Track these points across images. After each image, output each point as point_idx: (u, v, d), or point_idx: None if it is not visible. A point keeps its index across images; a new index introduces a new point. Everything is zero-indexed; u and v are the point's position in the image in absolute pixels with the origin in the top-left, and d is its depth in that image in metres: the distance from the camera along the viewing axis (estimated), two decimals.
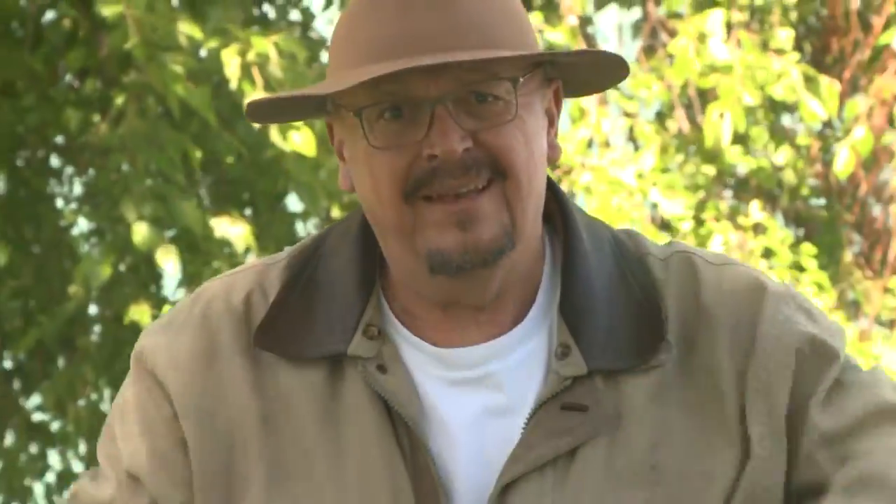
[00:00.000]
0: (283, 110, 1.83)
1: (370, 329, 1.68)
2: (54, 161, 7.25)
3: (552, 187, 1.74)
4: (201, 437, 1.72)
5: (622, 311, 1.69)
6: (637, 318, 1.68)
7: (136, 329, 5.98)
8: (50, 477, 7.32)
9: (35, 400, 7.27)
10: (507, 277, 1.65)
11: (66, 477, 7.23)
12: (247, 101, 5.00)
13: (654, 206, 6.57)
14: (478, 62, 1.60)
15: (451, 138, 1.58)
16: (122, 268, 6.39)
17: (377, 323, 1.69)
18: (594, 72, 1.78)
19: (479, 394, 1.69)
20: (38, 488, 7.39)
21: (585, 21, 7.48)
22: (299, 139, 5.72)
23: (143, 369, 1.76)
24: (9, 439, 7.22)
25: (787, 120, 7.47)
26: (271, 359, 1.72)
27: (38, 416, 7.41)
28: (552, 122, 1.70)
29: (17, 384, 7.42)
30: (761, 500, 1.69)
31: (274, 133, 5.86)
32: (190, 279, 6.31)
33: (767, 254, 6.52)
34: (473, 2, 1.65)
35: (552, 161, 1.69)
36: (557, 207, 1.74)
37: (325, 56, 6.43)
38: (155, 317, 5.89)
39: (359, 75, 1.59)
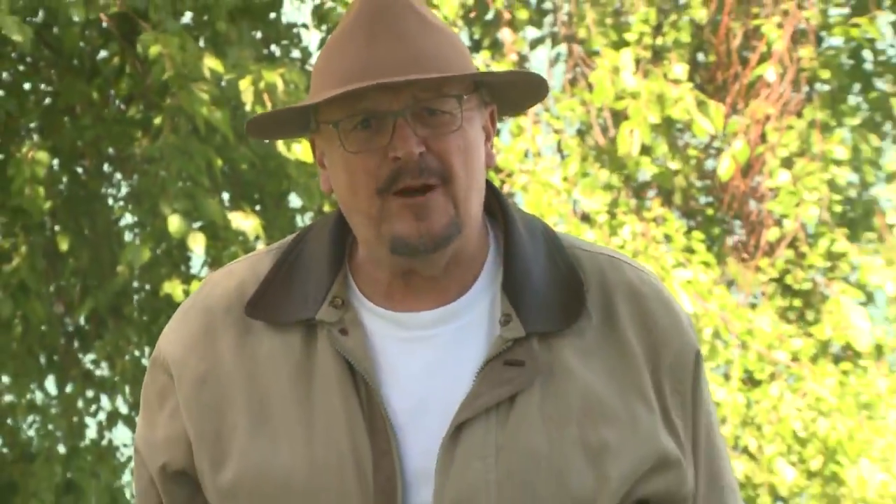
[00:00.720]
0: (278, 129, 1.81)
1: (335, 300, 1.69)
2: (106, 168, 7.31)
3: (494, 191, 1.74)
4: (194, 397, 1.72)
5: (552, 286, 1.69)
6: (564, 291, 1.68)
7: (169, 300, 6.22)
8: (101, 416, 7.45)
9: (90, 356, 7.41)
10: (455, 257, 1.66)
11: (113, 416, 7.39)
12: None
13: (576, 202, 6.55)
14: (430, 82, 1.61)
15: (409, 143, 1.59)
16: (158, 252, 6.51)
17: (342, 295, 1.69)
18: (522, 93, 1.78)
19: (428, 351, 1.69)
20: (92, 425, 7.52)
21: (523, 58, 7.45)
22: (300, 149, 5.75)
23: (152, 360, 1.78)
24: (69, 387, 7.32)
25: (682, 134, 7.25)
26: (258, 327, 1.72)
27: (92, 368, 7.53)
28: (489, 136, 1.70)
29: (76, 343, 7.51)
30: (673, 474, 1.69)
31: (280, 145, 5.87)
32: (213, 261, 6.40)
33: (666, 239, 6.48)
34: (425, 37, 1.65)
35: (489, 167, 1.69)
36: (499, 207, 1.72)
37: None
38: (185, 291, 6.12)
39: (340, 90, 1.60)
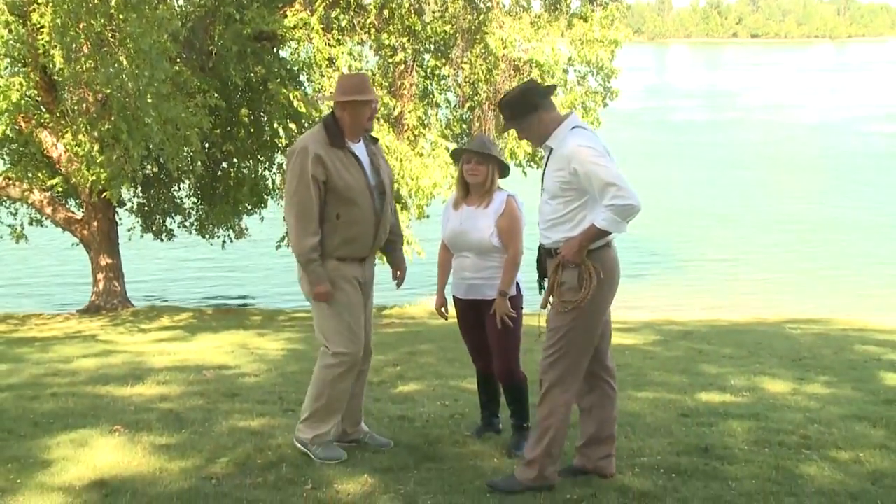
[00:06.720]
0: (329, 100, 5.56)
1: (346, 139, 4.42)
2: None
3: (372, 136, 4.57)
4: (321, 163, 4.34)
5: (368, 139, 4.61)
6: (371, 140, 4.64)
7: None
8: (274, 168, 13.98)
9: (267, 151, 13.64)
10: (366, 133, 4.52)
11: (278, 164, 13.86)
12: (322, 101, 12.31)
13: None
14: (372, 99, 4.45)
15: (367, 111, 4.48)
16: (280, 128, 12.89)
17: (344, 140, 4.40)
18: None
19: (360, 150, 4.53)
20: (275, 168, 14.17)
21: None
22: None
23: (304, 148, 4.31)
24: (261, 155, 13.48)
25: None
26: (329, 148, 4.37)
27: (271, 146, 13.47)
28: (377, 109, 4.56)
29: (266, 138, 13.65)
30: None
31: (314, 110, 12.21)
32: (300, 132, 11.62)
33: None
34: (367, 84, 4.45)
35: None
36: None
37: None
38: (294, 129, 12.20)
39: (348, 98, 4.34)
